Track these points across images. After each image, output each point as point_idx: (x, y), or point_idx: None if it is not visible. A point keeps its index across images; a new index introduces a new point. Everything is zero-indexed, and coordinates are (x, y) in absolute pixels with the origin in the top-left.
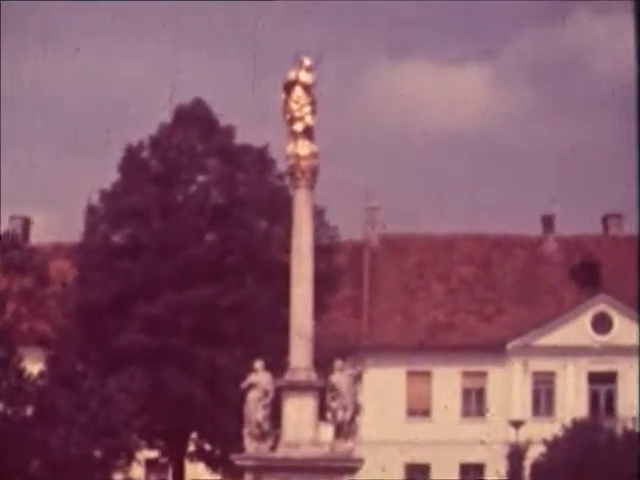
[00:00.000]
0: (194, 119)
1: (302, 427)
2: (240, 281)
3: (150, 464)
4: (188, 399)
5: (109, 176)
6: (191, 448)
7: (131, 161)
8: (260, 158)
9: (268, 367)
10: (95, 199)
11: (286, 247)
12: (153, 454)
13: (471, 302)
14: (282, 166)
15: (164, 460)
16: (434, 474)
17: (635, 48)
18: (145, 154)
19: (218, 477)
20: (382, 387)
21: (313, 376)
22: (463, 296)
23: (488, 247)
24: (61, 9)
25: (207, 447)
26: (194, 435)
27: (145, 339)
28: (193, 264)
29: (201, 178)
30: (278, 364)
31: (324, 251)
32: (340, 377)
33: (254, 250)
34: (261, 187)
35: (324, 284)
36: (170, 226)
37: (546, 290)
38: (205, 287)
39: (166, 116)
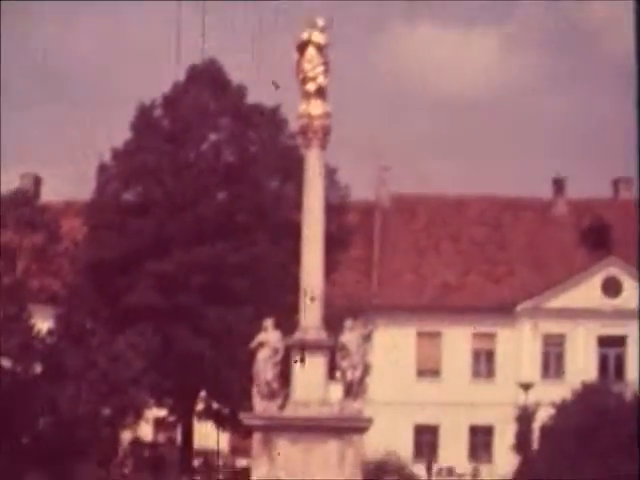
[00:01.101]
0: (206, 78)
1: (311, 386)
2: (251, 240)
3: (158, 422)
4: (197, 357)
5: (122, 135)
6: (200, 407)
7: (143, 120)
8: (272, 117)
9: (278, 326)
10: (107, 157)
11: (297, 206)
12: (161, 412)
13: (481, 263)
14: (294, 126)
15: (172, 418)
16: (443, 435)
17: (635, 48)
18: (157, 113)
19: (227, 435)
20: (392, 347)
21: (323, 335)
22: (473, 257)
23: (499, 209)
24: None
25: (216, 406)
26: (203, 394)
27: (155, 297)
28: (204, 222)
29: (213, 137)
30: (288, 323)
31: (335, 211)
32: (350, 337)
33: (265, 209)
34: (273, 146)
35: (335, 243)
36: (181, 184)
37: (556, 253)
38: (216, 245)
39: (180, 75)
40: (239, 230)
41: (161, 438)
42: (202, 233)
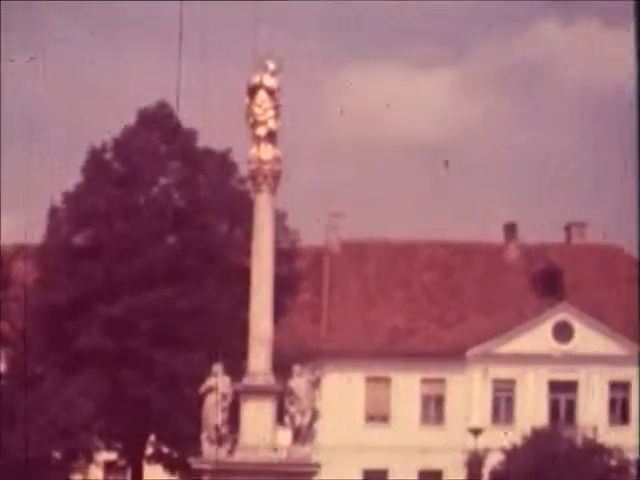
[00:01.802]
0: (157, 122)
1: (260, 431)
2: (200, 284)
3: (108, 466)
4: (146, 402)
5: (72, 178)
6: (149, 451)
7: (94, 163)
8: (222, 162)
9: (227, 371)
10: (58, 201)
11: (247, 251)
12: (112, 456)
13: (431, 308)
14: (244, 170)
15: (123, 462)
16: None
17: (635, 48)
18: (108, 156)
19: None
20: (341, 392)
21: (271, 380)
22: (423, 302)
23: (449, 254)
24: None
25: (165, 450)
26: (152, 438)
27: (104, 341)
28: (153, 266)
29: (163, 181)
30: (237, 368)
31: (284, 255)
32: (299, 382)
33: (214, 253)
34: (222, 191)
35: (284, 288)
36: (131, 228)
37: (507, 298)
38: (165, 289)
39: (130, 119)
40: (188, 274)
41: None
42: (151, 277)
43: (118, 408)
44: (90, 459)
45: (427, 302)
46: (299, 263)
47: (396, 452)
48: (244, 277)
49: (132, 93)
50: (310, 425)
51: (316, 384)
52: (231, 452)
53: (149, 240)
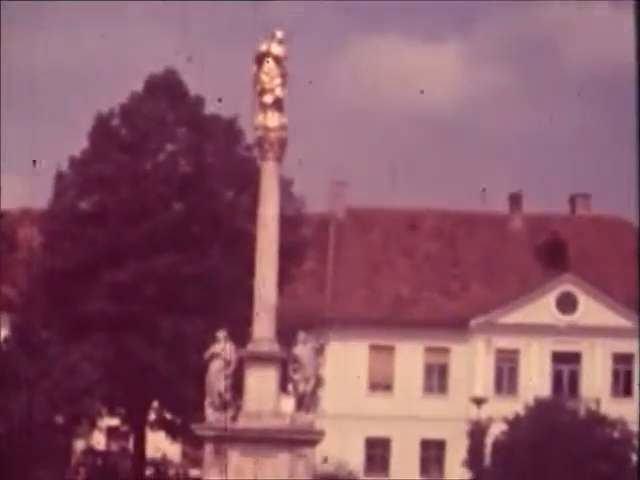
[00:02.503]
0: (165, 89)
1: (264, 398)
2: (205, 250)
3: (111, 431)
4: (150, 368)
5: (79, 144)
6: (152, 417)
7: (101, 129)
8: (229, 129)
9: (231, 337)
10: (64, 166)
11: (252, 218)
12: (114, 422)
13: (435, 278)
14: (251, 137)
15: (125, 428)
16: (394, 449)
17: (635, 48)
18: (115, 122)
19: (179, 446)
20: (344, 360)
21: (276, 347)
22: (427, 272)
23: (454, 224)
24: None
25: (168, 416)
26: (155, 404)
27: (109, 306)
28: (159, 232)
29: (170, 147)
30: (241, 334)
31: (290, 223)
32: (303, 349)
33: (220, 220)
34: (229, 158)
35: (289, 255)
36: (137, 194)
37: (511, 268)
38: (170, 255)
39: (138, 85)
40: (194, 241)
41: (114, 447)
42: (157, 243)
43: (122, 374)
44: (93, 424)
45: (431, 271)
46: (304, 230)
47: (399, 421)
48: (249, 244)
49: (140, 60)
50: (313, 393)
51: (320, 352)
52: (235, 419)
53: (155, 206)
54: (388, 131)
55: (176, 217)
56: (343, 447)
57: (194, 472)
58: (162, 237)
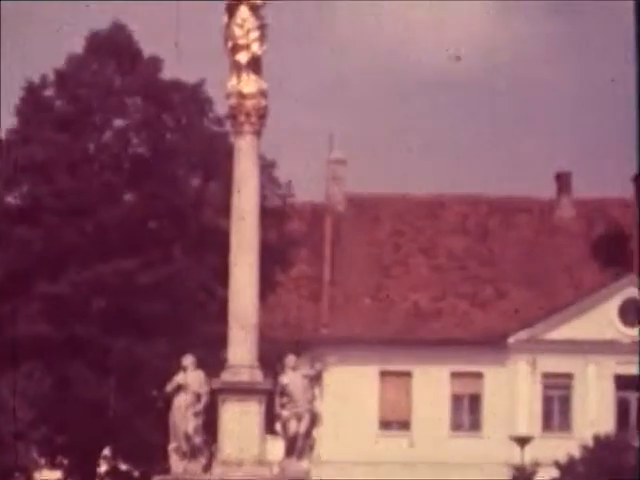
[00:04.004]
0: (111, 49)
1: (244, 441)
2: (166, 254)
3: None
4: (99, 405)
5: (3, 121)
6: (103, 468)
7: (31, 102)
8: (193, 97)
9: (201, 364)
10: None
11: (225, 210)
12: (56, 475)
13: (462, 283)
14: (221, 107)
15: None
16: None
17: (635, 48)
18: (49, 93)
19: None
20: (348, 392)
21: (258, 376)
22: (452, 275)
23: (485, 213)
24: None
25: (123, 467)
26: (107, 451)
27: (45, 327)
28: (107, 232)
29: (118, 122)
30: (214, 360)
31: (274, 215)
32: (293, 378)
33: (184, 214)
34: (194, 133)
35: (274, 258)
36: (78, 184)
37: (560, 269)
38: (121, 261)
39: (78, 46)
40: (151, 242)
41: None
42: (104, 246)
43: (63, 413)
44: (28, 479)
45: (457, 274)
46: (293, 225)
47: (420, 469)
48: (222, 244)
49: (80, 14)
50: (308, 434)
51: (316, 380)
52: (207, 468)
53: (101, 198)
54: (400, 97)
55: (128, 212)
56: None
57: None
58: (110, 238)
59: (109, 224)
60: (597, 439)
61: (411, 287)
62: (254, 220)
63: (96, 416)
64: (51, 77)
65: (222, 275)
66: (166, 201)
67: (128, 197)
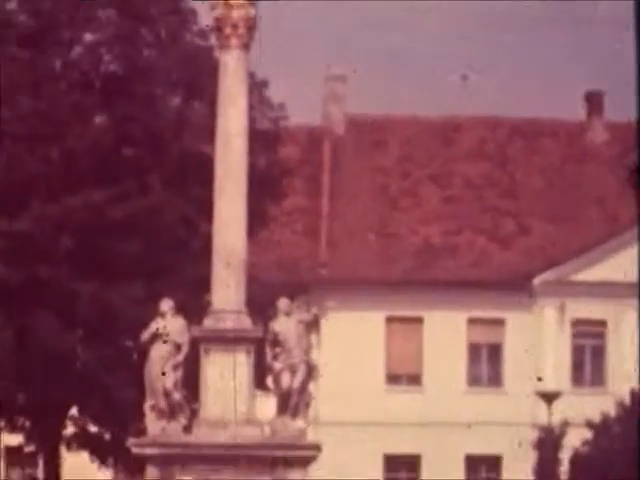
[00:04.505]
0: None
1: (230, 398)
2: (142, 184)
3: (11, 453)
4: (65, 358)
5: None
6: (70, 430)
7: None
8: (174, 8)
9: (181, 309)
10: None
11: (209, 134)
12: (15, 439)
13: (480, 216)
14: (206, 19)
15: (31, 448)
16: (426, 470)
17: (635, 47)
18: (11, 6)
19: (109, 472)
20: (349, 341)
21: (247, 322)
22: (468, 207)
23: (505, 136)
24: None
25: (92, 429)
26: (74, 411)
27: (4, 269)
28: (76, 160)
29: (89, 37)
30: (196, 305)
31: (265, 140)
32: (287, 324)
33: (162, 139)
34: (174, 48)
35: (264, 187)
36: (43, 105)
37: (591, 200)
38: (91, 192)
39: None
40: (125, 171)
41: (15, 476)
42: (72, 176)
43: (23, 368)
44: None
45: (473, 206)
46: (286, 151)
47: (432, 430)
48: (205, 172)
49: None
50: (303, 389)
51: (313, 327)
52: (188, 429)
53: (69, 122)
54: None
55: (99, 137)
56: (349, 470)
57: None
58: (79, 166)
59: (77, 151)
60: (634, 395)
61: (421, 220)
62: (242, 145)
63: (61, 371)
64: None
65: (206, 208)
66: (142, 124)
67: (99, 120)
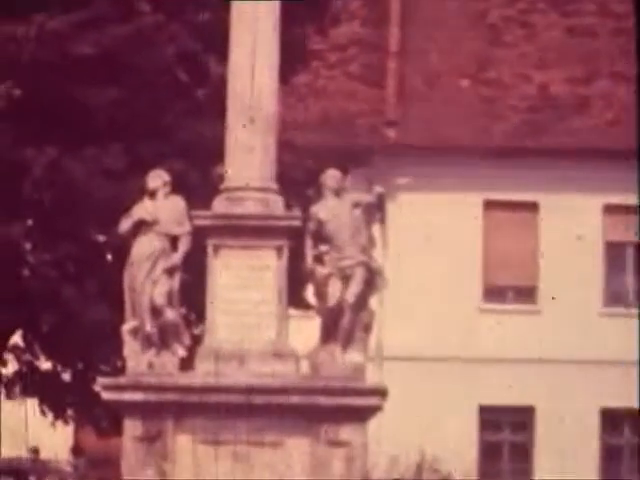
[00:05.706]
0: None
1: (251, 318)
2: (123, 4)
3: None
4: (8, 258)
5: None
6: (11, 366)
7: None
8: None
9: (179, 186)
10: None
11: None
12: None
13: (621, 57)
14: None
15: None
16: (541, 429)
17: (635, 47)
18: None
19: (68, 427)
20: (429, 234)
21: (277, 206)
22: (604, 43)
23: None
24: None
25: (44, 365)
26: (17, 338)
27: None
28: None
29: None
30: (201, 180)
31: None
32: (337, 209)
33: None
34: None
35: (306, 8)
36: None
37: None
38: (58, 18)
39: None
40: None
41: None
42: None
43: None
44: None
45: (612, 42)
46: None
47: (552, 368)
48: None
49: None
50: (362, 305)
51: (376, 214)
52: (187, 364)
53: None
54: None
55: None
56: (433, 423)
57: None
58: None
59: None
60: None
61: (536, 62)
62: None
63: (1, 277)
64: None
65: (217, 40)
66: None
67: None
